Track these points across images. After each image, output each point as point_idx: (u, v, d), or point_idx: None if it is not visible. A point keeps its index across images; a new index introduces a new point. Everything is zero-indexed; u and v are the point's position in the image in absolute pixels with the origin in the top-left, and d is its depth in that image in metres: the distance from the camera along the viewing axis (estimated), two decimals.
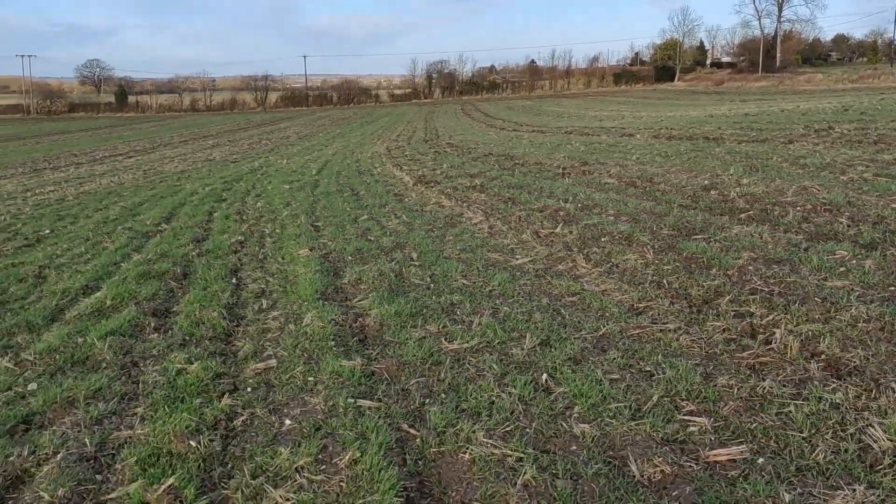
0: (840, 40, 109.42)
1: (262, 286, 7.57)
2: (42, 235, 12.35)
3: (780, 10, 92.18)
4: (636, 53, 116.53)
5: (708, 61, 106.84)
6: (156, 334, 6.08)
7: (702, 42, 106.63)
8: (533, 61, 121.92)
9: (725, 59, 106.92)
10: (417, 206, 12.19)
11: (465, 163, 18.26)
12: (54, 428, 4.37)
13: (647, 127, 24.97)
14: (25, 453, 4.08)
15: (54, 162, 36.90)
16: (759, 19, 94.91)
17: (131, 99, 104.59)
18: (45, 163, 36.77)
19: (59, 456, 4.01)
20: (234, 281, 7.89)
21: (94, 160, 37.13)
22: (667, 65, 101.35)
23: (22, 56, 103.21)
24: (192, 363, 5.15)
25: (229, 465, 3.90)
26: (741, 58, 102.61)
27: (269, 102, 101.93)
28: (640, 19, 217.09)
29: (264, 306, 6.83)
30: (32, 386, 5.01)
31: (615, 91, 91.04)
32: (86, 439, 4.21)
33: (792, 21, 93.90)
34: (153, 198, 17.84)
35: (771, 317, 5.35)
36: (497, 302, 6.42)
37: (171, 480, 3.63)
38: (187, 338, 5.86)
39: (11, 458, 4.04)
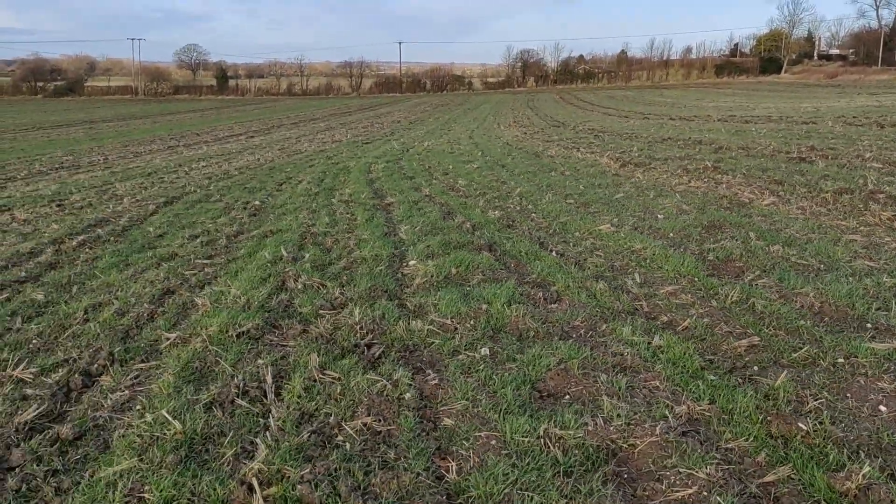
0: None
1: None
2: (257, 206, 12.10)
3: None
4: (736, 44, 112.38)
5: (815, 53, 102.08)
6: None
7: (809, 33, 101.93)
8: (624, 51, 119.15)
9: (834, 51, 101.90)
10: (668, 190, 11.39)
11: (645, 147, 17.37)
12: None
13: (827, 114, 23.49)
14: None
15: (182, 140, 37.51)
16: (878, 9, 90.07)
17: (231, 83, 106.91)
18: (172, 140, 37.42)
19: None
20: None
21: (217, 139, 37.58)
22: (773, 56, 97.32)
23: (132, 39, 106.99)
24: None
25: None
26: (850, 50, 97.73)
27: (363, 88, 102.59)
28: (738, 9, 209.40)
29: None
30: None
31: (717, 83, 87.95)
32: None
33: None
34: (328, 173, 17.58)
35: None
36: None
37: None
38: None
39: None
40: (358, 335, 5.45)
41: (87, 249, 10.51)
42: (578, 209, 10.17)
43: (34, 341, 6.28)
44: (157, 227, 11.82)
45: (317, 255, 8.72)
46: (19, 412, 4.72)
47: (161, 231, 11.54)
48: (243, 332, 5.80)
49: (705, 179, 11.74)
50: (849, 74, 76.95)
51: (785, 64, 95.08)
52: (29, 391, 5.11)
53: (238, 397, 4.50)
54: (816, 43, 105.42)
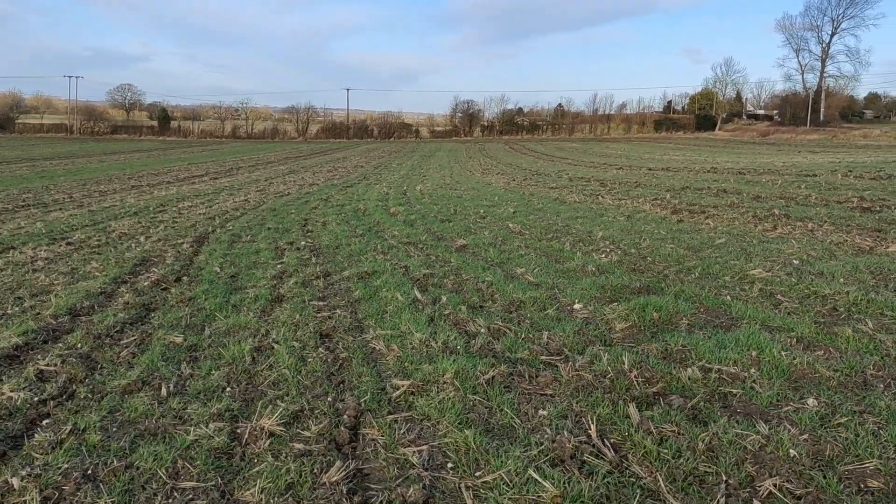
0: (872, 98, 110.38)
1: None
2: (310, 247, 11.43)
3: (824, 65, 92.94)
4: (669, 102, 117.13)
5: (744, 113, 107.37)
6: None
7: (738, 94, 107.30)
8: (561, 105, 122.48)
9: (760, 111, 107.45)
10: (771, 237, 11.28)
11: (674, 195, 17.40)
12: None
13: (810, 167, 24.26)
14: None
15: (143, 180, 36.01)
16: (803, 74, 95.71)
17: (173, 124, 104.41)
18: (132, 180, 35.84)
19: None
20: None
21: (179, 179, 36.22)
22: (707, 114, 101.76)
23: (69, 77, 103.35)
24: None
25: None
26: (775, 111, 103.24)
27: (309, 133, 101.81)
28: (670, 68, 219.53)
29: None
30: None
31: (657, 137, 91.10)
32: None
33: (835, 77, 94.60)
34: (346, 214, 16.97)
35: None
36: None
37: None
38: None
39: None
40: (635, 382, 4.93)
41: (162, 290, 9.61)
42: (704, 252, 9.91)
43: (228, 389, 5.51)
44: (221, 267, 10.97)
45: (452, 297, 8.15)
46: (324, 472, 4.01)
47: (231, 271, 10.71)
48: (491, 380, 5.20)
49: (791, 227, 11.70)
50: (780, 133, 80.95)
51: (719, 122, 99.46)
52: (300, 446, 4.40)
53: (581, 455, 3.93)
54: (745, 103, 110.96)
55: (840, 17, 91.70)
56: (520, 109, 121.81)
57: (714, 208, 14.56)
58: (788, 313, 6.67)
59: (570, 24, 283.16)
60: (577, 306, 7.33)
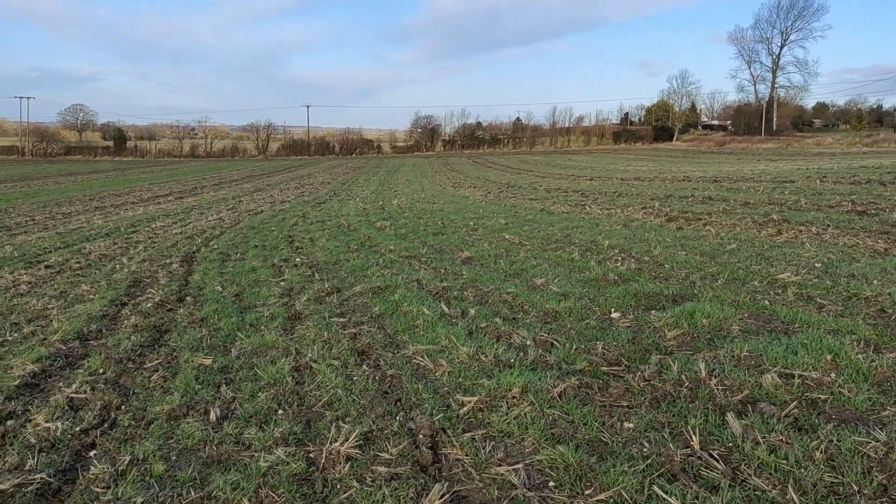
0: (820, 108, 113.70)
1: None
2: (307, 264, 11.16)
3: (775, 76, 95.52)
4: (626, 114, 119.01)
5: (699, 124, 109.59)
6: None
7: (693, 105, 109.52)
8: (519, 118, 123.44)
9: (714, 122, 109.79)
10: (775, 242, 11.31)
11: (662, 203, 17.46)
12: None
13: (780, 174, 24.69)
14: None
15: (106, 201, 35.17)
16: (755, 84, 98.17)
17: (129, 144, 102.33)
18: (94, 202, 35.00)
19: None
20: None
21: (143, 200, 35.47)
22: (664, 125, 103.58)
23: (20, 98, 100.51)
24: None
25: None
26: (728, 121, 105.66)
27: (270, 150, 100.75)
28: (625, 81, 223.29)
29: None
30: None
31: (616, 149, 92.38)
32: None
33: (786, 87, 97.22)
34: (329, 230, 16.68)
35: None
36: None
37: None
38: None
39: None
40: (716, 390, 4.78)
41: (168, 311, 9.23)
42: (720, 258, 9.86)
43: (281, 411, 5.22)
44: (223, 287, 10.60)
45: (481, 309, 7.95)
46: (423, 497, 3.77)
47: (234, 290, 10.36)
48: (563, 394, 5.01)
49: (795, 231, 11.76)
50: (737, 143, 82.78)
51: (676, 133, 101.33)
52: (383, 469, 4.14)
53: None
54: (700, 114, 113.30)
55: (788, 29, 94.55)
56: (479, 123, 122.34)
57: (708, 215, 14.62)
58: (837, 316, 6.62)
59: (523, 38, 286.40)
60: (614, 315, 7.19)
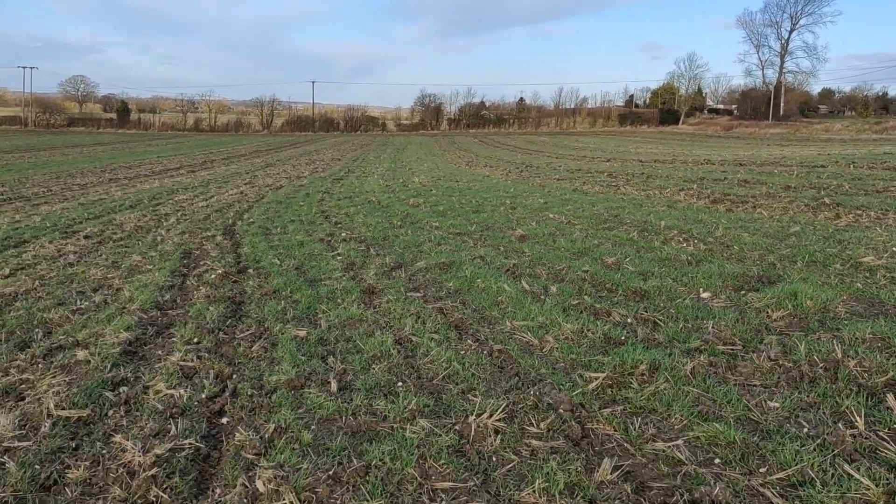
0: (826, 94, 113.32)
1: None
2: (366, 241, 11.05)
3: (783, 61, 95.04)
4: (631, 96, 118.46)
5: (705, 107, 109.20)
6: None
7: (699, 88, 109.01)
8: (522, 99, 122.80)
9: (719, 106, 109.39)
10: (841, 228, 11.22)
11: (698, 186, 17.35)
12: None
13: (806, 160, 24.58)
14: None
15: (119, 173, 34.93)
16: (763, 69, 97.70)
17: (133, 116, 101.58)
18: (106, 174, 34.74)
19: None
20: None
21: (156, 173, 35.22)
22: (671, 108, 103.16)
23: (23, 68, 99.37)
24: None
25: None
26: (733, 106, 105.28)
27: (274, 126, 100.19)
28: (629, 65, 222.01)
29: None
30: None
31: (622, 131, 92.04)
32: None
33: (794, 73, 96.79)
34: (362, 208, 16.58)
35: None
36: None
37: None
38: None
39: None
40: (855, 371, 4.74)
41: (233, 283, 9.14)
42: (788, 241, 9.80)
43: (401, 384, 5.15)
44: (281, 260, 10.53)
45: (562, 287, 7.89)
46: (595, 471, 3.70)
47: (292, 264, 10.29)
48: (694, 371, 4.95)
49: (853, 215, 11.69)
50: (744, 128, 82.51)
51: (682, 116, 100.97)
52: (538, 443, 4.08)
53: None
54: (705, 97, 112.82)
55: (798, 13, 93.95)
56: (482, 103, 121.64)
57: (753, 198, 14.54)
58: None
59: (529, 17, 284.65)
60: (704, 295, 7.13)
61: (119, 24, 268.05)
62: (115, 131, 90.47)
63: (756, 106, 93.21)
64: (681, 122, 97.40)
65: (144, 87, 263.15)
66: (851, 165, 19.83)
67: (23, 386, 5.26)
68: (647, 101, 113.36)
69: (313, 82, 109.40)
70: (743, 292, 7.12)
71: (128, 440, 4.14)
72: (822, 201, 12.89)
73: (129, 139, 75.83)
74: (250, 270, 9.79)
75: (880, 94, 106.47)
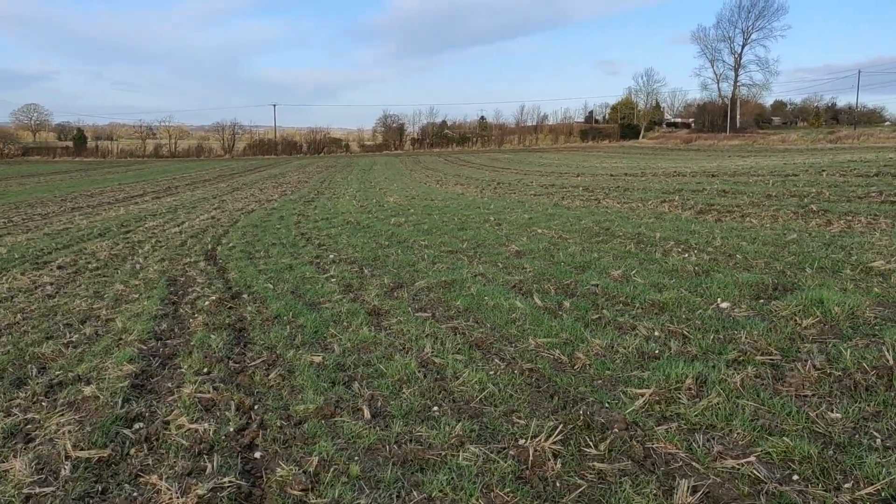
0: (779, 106, 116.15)
1: None
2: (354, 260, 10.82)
3: (737, 74, 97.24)
4: (590, 112, 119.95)
5: (663, 121, 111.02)
6: None
7: (657, 103, 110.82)
8: (482, 118, 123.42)
9: (677, 119, 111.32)
10: (826, 233, 11.25)
11: (677, 196, 17.41)
12: None
13: (772, 169, 24.92)
14: None
15: (81, 201, 34.12)
16: (718, 83, 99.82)
17: (90, 144, 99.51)
18: (67, 203, 33.92)
19: None
20: None
21: (119, 200, 34.48)
22: (630, 123, 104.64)
23: None
24: None
25: None
26: (690, 119, 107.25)
27: (236, 150, 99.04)
28: (586, 81, 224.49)
29: None
30: None
31: (584, 147, 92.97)
32: None
33: (748, 86, 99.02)
34: (344, 230, 16.31)
35: None
36: None
37: None
38: None
39: None
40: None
41: (229, 309, 8.81)
42: (789, 248, 9.76)
43: (436, 408, 4.89)
44: (273, 284, 10.19)
45: (575, 301, 7.72)
46: (674, 494, 3.48)
47: (286, 287, 9.95)
48: (743, 384, 4.79)
49: (843, 221, 11.75)
50: (703, 140, 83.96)
51: (642, 130, 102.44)
52: (602, 465, 3.85)
53: None
54: (663, 111, 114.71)
55: (750, 28, 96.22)
56: (444, 122, 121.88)
57: (738, 207, 14.59)
58: None
59: (485, 37, 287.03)
60: (723, 305, 7.00)
61: (72, 52, 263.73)
62: (73, 159, 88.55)
63: (713, 119, 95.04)
64: (641, 136, 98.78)
65: (100, 114, 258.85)
66: (823, 173, 20.11)
67: (29, 426, 4.88)
68: (607, 116, 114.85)
69: (275, 105, 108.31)
70: (762, 301, 7.01)
71: (162, 480, 3.81)
72: (810, 208, 12.96)
73: (88, 167, 74.26)
74: (244, 296, 9.44)
75: (829, 104, 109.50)
